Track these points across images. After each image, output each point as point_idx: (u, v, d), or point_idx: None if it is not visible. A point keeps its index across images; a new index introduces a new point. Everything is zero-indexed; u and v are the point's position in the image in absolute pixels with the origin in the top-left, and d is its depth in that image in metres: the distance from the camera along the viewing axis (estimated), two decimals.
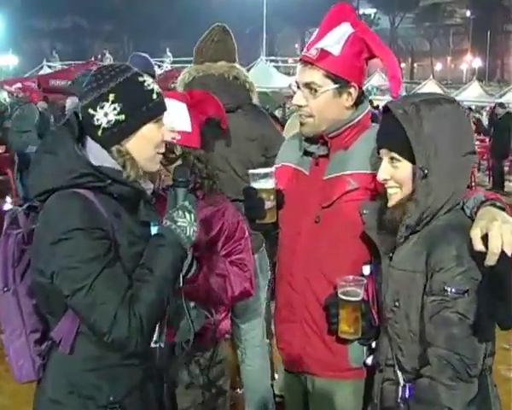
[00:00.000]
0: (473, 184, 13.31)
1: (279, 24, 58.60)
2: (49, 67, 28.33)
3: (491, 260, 1.60)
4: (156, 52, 30.93)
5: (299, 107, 2.23)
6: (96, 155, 1.84)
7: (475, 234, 1.64)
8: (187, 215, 1.88)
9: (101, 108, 1.81)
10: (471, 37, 64.44)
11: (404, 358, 1.94)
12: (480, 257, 1.65)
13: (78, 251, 1.71)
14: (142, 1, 57.39)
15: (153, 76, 4.38)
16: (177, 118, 2.36)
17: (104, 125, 1.81)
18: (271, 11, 43.42)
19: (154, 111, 1.88)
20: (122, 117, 1.81)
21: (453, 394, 1.76)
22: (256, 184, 2.30)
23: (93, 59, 25.24)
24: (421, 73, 65.47)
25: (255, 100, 3.43)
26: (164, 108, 1.93)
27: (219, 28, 3.40)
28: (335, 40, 2.15)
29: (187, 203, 1.92)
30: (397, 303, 1.93)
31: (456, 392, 1.76)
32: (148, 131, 1.87)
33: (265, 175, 2.28)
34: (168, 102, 2.07)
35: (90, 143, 1.87)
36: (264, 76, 28.25)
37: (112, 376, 1.87)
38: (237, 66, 3.33)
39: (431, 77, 35.32)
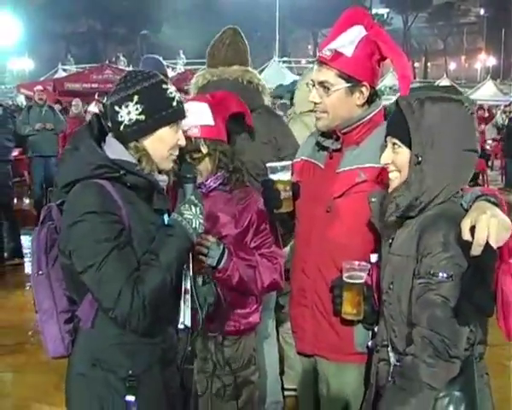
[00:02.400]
0: (484, 182, 13.32)
1: (292, 25, 58.63)
2: (64, 70, 28.61)
3: (475, 251, 1.69)
4: (169, 54, 31.12)
5: (315, 104, 2.39)
6: (115, 149, 2.07)
7: (465, 224, 1.74)
8: (193, 208, 2.08)
9: (126, 106, 2.04)
10: (485, 35, 64.01)
11: (397, 339, 2.07)
12: (466, 246, 1.74)
13: (91, 232, 1.94)
14: (154, 4, 57.63)
15: (165, 76, 4.52)
16: (199, 114, 2.52)
17: (126, 122, 2.04)
18: (284, 12, 43.52)
19: (173, 116, 2.10)
20: (142, 117, 2.04)
21: (433, 371, 1.89)
22: (273, 176, 2.47)
23: (107, 62, 25.45)
24: (435, 72, 65.12)
25: (267, 102, 3.54)
26: (182, 116, 2.14)
27: (231, 31, 3.49)
28: (348, 42, 2.31)
29: (193, 198, 2.11)
30: (391, 286, 2.07)
31: (436, 370, 1.89)
32: (165, 133, 2.09)
33: (282, 168, 2.44)
34: (189, 103, 2.23)
35: (109, 139, 2.10)
36: (277, 77, 28.30)
37: (131, 352, 2.07)
38: (250, 69, 3.42)
39: (445, 76, 35.27)
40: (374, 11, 66.13)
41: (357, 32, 2.32)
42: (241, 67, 3.38)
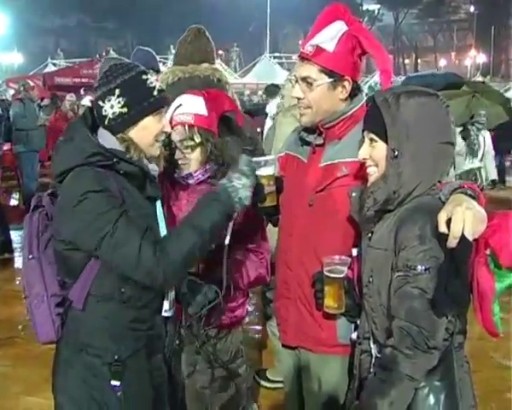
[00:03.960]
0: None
1: (283, 21, 58.51)
2: (54, 64, 28.46)
3: (451, 243, 1.71)
4: (160, 49, 31.00)
5: (298, 99, 2.42)
6: (106, 139, 2.13)
7: (441, 217, 1.76)
8: (243, 178, 2.13)
9: (109, 100, 2.10)
10: (475, 32, 64.15)
11: (378, 331, 2.11)
12: (443, 238, 1.76)
13: (95, 207, 1.99)
14: None
15: (157, 70, 4.56)
16: (194, 104, 2.57)
17: (110, 115, 2.11)
18: (275, 8, 43.44)
19: (155, 105, 2.15)
20: (125, 110, 2.10)
21: (412, 362, 1.92)
22: (257, 171, 2.48)
23: (98, 57, 25.32)
24: (426, 68, 65.14)
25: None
26: (164, 104, 2.20)
27: (195, 30, 3.55)
28: (330, 37, 2.34)
29: (245, 168, 2.15)
30: (371, 279, 2.10)
31: (415, 360, 1.92)
32: (149, 122, 2.15)
33: (266, 162, 2.48)
34: (185, 96, 2.41)
35: (101, 130, 2.16)
36: (268, 72, 28.32)
37: (119, 337, 2.13)
38: (219, 68, 3.53)
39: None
40: (365, 7, 66.30)
41: (338, 28, 2.34)
42: (210, 65, 3.45)
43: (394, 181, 2.02)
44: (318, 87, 2.36)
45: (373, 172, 2.12)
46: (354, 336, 2.33)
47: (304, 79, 2.39)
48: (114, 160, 2.08)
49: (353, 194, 2.22)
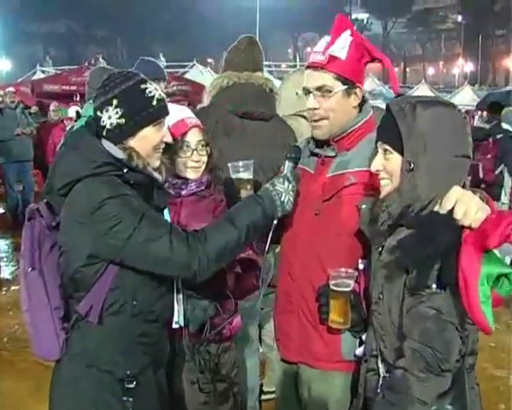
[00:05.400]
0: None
1: (272, 29, 58.72)
2: (43, 71, 28.28)
3: (443, 207, 1.64)
4: (149, 56, 30.87)
5: (313, 110, 2.37)
6: (110, 149, 2.06)
7: (448, 199, 1.66)
8: (286, 183, 2.17)
9: (107, 111, 2.04)
10: (463, 41, 64.74)
11: (387, 349, 2.02)
12: (455, 256, 1.69)
13: (115, 210, 1.94)
14: (135, 6, 57.40)
15: (164, 79, 4.54)
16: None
17: (108, 126, 2.05)
18: (264, 16, 43.58)
19: (153, 115, 2.09)
20: (123, 120, 2.04)
21: (424, 386, 1.83)
22: (234, 175, 2.51)
23: (86, 64, 25.20)
24: (414, 77, 65.63)
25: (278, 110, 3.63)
26: (164, 113, 2.13)
27: (246, 38, 3.55)
28: (341, 46, 2.33)
29: (289, 174, 2.20)
30: (381, 295, 2.02)
31: (427, 384, 1.83)
32: (148, 133, 2.08)
33: (244, 167, 2.44)
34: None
35: (103, 140, 2.09)
36: None
37: (127, 351, 2.06)
38: (271, 78, 3.51)
39: (423, 81, 35.47)
40: (354, 16, 66.56)
41: (346, 37, 2.34)
42: (263, 74, 3.49)
43: (409, 195, 1.94)
44: (334, 96, 2.33)
45: (386, 185, 2.05)
46: (359, 352, 2.26)
47: (319, 89, 2.34)
48: (124, 170, 2.03)
49: (363, 206, 2.16)
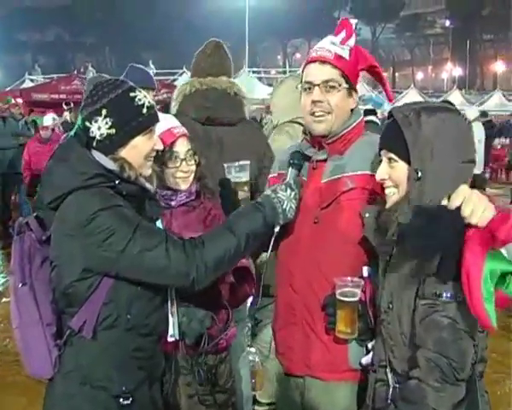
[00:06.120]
0: None
1: (261, 36, 58.87)
2: (32, 80, 28.18)
3: (451, 204, 1.63)
4: (138, 64, 30.82)
5: (318, 102, 2.30)
6: (101, 159, 2.00)
7: (456, 197, 1.65)
8: (288, 190, 2.12)
9: (96, 121, 1.98)
10: (451, 46, 65.16)
11: (396, 359, 1.98)
12: (456, 252, 1.68)
13: (108, 222, 1.89)
14: (124, 13, 57.39)
15: (153, 88, 4.47)
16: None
17: (98, 137, 1.98)
18: (253, 23, 43.66)
19: (144, 124, 2.03)
20: (113, 131, 1.98)
21: (440, 396, 1.80)
22: (231, 177, 2.46)
23: (75, 72, 25.11)
24: (403, 82, 65.95)
25: (247, 114, 3.54)
26: (154, 121, 2.08)
27: (212, 43, 3.48)
28: (346, 47, 2.32)
29: (292, 181, 2.16)
30: (390, 305, 1.98)
31: (443, 394, 1.80)
32: (139, 142, 2.03)
33: (240, 168, 2.39)
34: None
35: (93, 150, 2.02)
36: (247, 87, 28.28)
37: (122, 367, 2.01)
38: (236, 82, 3.45)
39: (412, 86, 35.61)
40: None
41: (351, 41, 2.33)
42: (228, 78, 3.39)
43: (417, 203, 1.90)
44: (340, 91, 2.30)
45: (392, 194, 2.01)
46: (365, 360, 2.20)
47: (326, 82, 2.29)
48: (116, 181, 1.98)
49: (367, 215, 2.12)
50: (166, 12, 57.03)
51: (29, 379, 2.13)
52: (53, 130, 9.34)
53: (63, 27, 62.15)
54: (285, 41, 72.15)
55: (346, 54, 2.30)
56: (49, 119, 9.45)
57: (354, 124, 2.36)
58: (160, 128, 2.35)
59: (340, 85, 2.29)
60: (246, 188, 2.43)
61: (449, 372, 1.79)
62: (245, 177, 2.44)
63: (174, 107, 3.34)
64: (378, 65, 2.42)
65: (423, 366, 1.83)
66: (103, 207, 1.89)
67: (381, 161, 2.04)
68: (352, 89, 2.34)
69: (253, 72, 34.75)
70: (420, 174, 1.89)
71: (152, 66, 33.35)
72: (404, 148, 1.92)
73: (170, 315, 2.18)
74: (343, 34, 2.32)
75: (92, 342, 1.97)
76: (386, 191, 2.02)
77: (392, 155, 1.98)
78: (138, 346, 2.03)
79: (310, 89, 2.32)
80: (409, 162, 1.93)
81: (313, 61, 2.33)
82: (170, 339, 2.18)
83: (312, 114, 2.33)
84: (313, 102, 2.31)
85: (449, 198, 1.66)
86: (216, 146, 3.17)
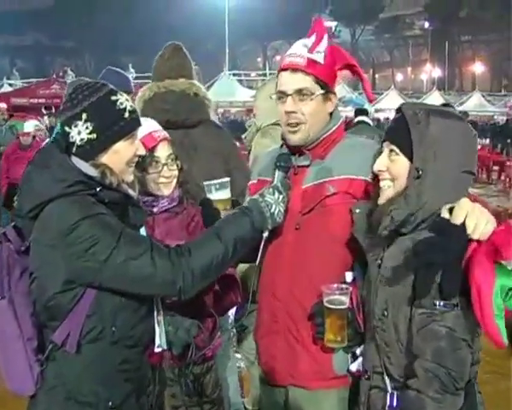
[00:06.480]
0: None
1: (241, 38, 58.91)
2: (10, 85, 27.95)
3: (454, 219, 1.63)
4: (118, 68, 30.67)
5: (291, 113, 2.24)
6: (81, 166, 1.92)
7: (459, 210, 1.65)
8: (276, 193, 2.06)
9: (76, 126, 1.90)
10: (430, 47, 65.81)
11: (392, 366, 1.95)
12: (459, 267, 1.67)
13: (91, 231, 1.82)
14: (103, 17, 57.10)
15: (130, 92, 4.39)
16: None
17: (78, 142, 1.90)
18: (233, 26, 43.66)
19: (126, 129, 1.95)
20: (94, 136, 1.90)
21: (439, 407, 1.78)
22: (211, 195, 2.38)
23: (54, 76, 24.92)
24: (383, 83, 66.44)
25: (212, 115, 3.50)
26: (136, 125, 2.01)
27: (171, 46, 3.44)
28: (319, 50, 2.23)
29: (279, 184, 2.09)
30: (385, 312, 1.94)
31: (443, 405, 1.78)
32: (120, 147, 1.95)
33: (220, 185, 2.33)
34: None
35: (73, 156, 1.94)
36: (227, 90, 28.33)
37: (108, 381, 1.94)
38: (196, 82, 3.38)
39: (392, 87, 35.92)
40: None
41: (325, 42, 2.25)
42: (188, 80, 3.34)
43: (413, 202, 1.88)
44: (313, 100, 2.23)
45: (387, 187, 1.98)
46: (353, 367, 2.15)
47: (299, 92, 2.22)
48: (98, 188, 1.90)
49: (357, 211, 2.08)
50: (146, 16, 56.84)
51: (7, 393, 2.04)
52: (34, 137, 9.03)
53: (42, 31, 61.66)
54: (265, 43, 72.35)
55: (320, 57, 2.21)
56: (30, 125, 9.03)
57: (334, 128, 2.31)
58: (140, 132, 2.30)
59: (313, 94, 2.21)
60: (228, 206, 2.36)
61: (448, 382, 1.77)
62: (226, 194, 2.37)
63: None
64: (356, 64, 2.34)
65: (422, 377, 1.80)
66: (85, 216, 1.82)
67: (380, 152, 2.01)
68: (328, 93, 2.26)
69: (234, 74, 34.79)
70: (420, 173, 1.87)
71: (132, 70, 33.20)
72: (409, 144, 1.90)
73: (156, 325, 2.09)
74: (316, 36, 2.24)
75: (76, 356, 1.89)
76: (381, 184, 1.99)
77: (395, 148, 1.95)
78: (125, 358, 1.96)
79: (283, 98, 2.26)
80: (410, 159, 1.91)
81: (285, 68, 2.26)
82: (157, 350, 2.10)
83: (287, 124, 2.27)
84: (286, 112, 2.25)
85: (450, 211, 1.65)
86: (178, 151, 3.13)
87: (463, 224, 1.62)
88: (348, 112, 26.78)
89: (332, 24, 69.59)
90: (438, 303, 1.78)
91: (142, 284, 1.87)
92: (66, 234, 1.81)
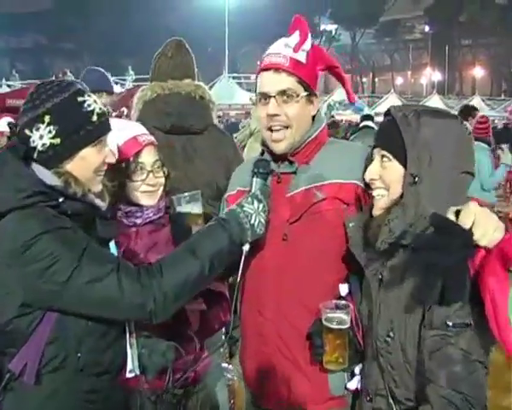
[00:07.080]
0: None
1: (241, 41, 58.81)
2: (9, 86, 27.85)
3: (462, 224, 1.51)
4: (118, 70, 30.58)
5: (275, 116, 2.08)
6: (42, 174, 1.74)
7: (466, 216, 1.53)
8: (255, 202, 1.89)
9: (37, 129, 1.73)
10: (430, 51, 65.80)
11: (398, 389, 1.82)
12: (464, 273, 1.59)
13: (51, 247, 1.65)
14: (102, 19, 57.05)
15: (110, 92, 4.20)
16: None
17: (39, 147, 1.73)
18: (233, 28, 43.57)
19: (93, 134, 1.78)
20: (57, 141, 1.73)
21: None
22: (181, 209, 2.20)
23: (54, 78, 24.82)
24: (383, 87, 66.40)
25: (215, 119, 3.32)
26: (106, 130, 1.83)
27: (174, 42, 3.25)
28: (302, 49, 2.09)
29: (259, 192, 1.93)
30: (391, 333, 1.80)
31: None
32: (87, 154, 1.78)
33: (191, 198, 2.17)
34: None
35: (33, 163, 1.77)
36: (227, 92, 28.25)
37: None
38: (202, 84, 3.20)
39: (392, 91, 35.79)
40: (322, 27, 67.36)
41: (307, 41, 2.11)
42: (193, 81, 3.16)
43: (411, 211, 1.75)
44: (299, 102, 2.07)
45: (381, 196, 1.85)
46: (351, 385, 2.01)
47: (283, 93, 2.06)
48: (60, 199, 1.72)
49: (351, 224, 1.94)
50: (145, 18, 56.80)
51: None
52: (9, 137, 8.62)
53: (41, 33, 61.65)
54: (265, 46, 72.33)
55: (302, 57, 2.06)
56: (3, 123, 8.58)
57: (317, 132, 2.15)
58: (123, 136, 2.13)
59: (297, 95, 2.06)
60: (199, 221, 2.17)
61: (464, 408, 1.64)
62: (197, 208, 2.18)
63: (134, 114, 3.07)
64: (338, 64, 2.20)
65: (436, 403, 1.67)
66: (43, 231, 1.64)
67: (371, 160, 1.88)
68: (311, 95, 2.10)
69: (233, 77, 34.69)
70: (416, 179, 1.74)
71: (131, 72, 33.16)
72: (401, 148, 1.78)
73: (128, 347, 1.90)
74: (298, 35, 2.09)
75: (36, 387, 1.72)
76: (375, 193, 1.86)
77: (387, 154, 1.83)
78: (91, 388, 1.78)
79: (265, 100, 2.09)
80: (404, 165, 1.78)
81: (267, 68, 2.10)
82: (129, 375, 1.91)
83: (269, 128, 2.10)
84: (269, 115, 2.08)
85: (456, 214, 1.52)
86: (182, 157, 2.95)
87: (470, 228, 1.50)
88: (348, 115, 26.80)
89: (332, 27, 69.69)
90: (451, 324, 1.65)
91: (107, 307, 1.70)
92: (23, 251, 1.63)
